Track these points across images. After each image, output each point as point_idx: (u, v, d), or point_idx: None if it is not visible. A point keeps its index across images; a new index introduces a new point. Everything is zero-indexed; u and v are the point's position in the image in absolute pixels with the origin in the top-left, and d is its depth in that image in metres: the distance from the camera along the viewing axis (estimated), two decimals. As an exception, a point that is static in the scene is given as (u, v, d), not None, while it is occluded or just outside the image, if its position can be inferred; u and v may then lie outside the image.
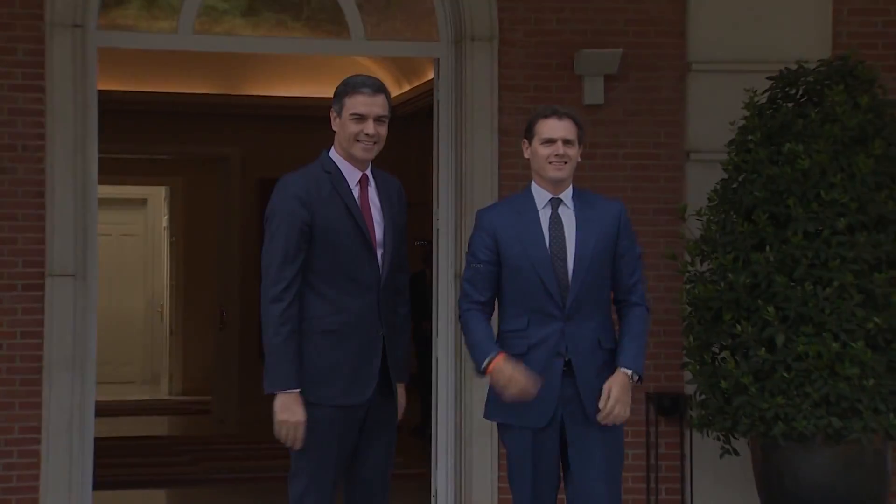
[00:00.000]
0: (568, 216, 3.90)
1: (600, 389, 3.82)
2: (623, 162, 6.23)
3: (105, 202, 10.41)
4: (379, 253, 3.77)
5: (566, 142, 3.87)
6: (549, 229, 3.87)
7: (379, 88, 3.79)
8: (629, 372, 3.83)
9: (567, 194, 3.92)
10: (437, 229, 6.27)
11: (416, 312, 5.03)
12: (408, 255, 3.99)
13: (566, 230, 3.87)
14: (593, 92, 6.16)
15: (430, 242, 6.45)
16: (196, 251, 12.59)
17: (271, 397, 3.70)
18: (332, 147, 3.84)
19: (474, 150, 6.14)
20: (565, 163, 3.87)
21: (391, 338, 3.81)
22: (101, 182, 6.03)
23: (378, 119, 3.77)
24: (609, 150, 6.23)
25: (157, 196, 14.24)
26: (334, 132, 3.83)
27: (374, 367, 3.75)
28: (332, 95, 3.86)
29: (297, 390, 3.67)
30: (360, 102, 3.74)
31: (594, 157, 6.19)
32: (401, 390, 3.92)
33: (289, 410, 3.66)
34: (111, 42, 6.12)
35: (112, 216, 13.83)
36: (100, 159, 5.97)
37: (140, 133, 10.70)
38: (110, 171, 10.15)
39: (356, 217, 3.74)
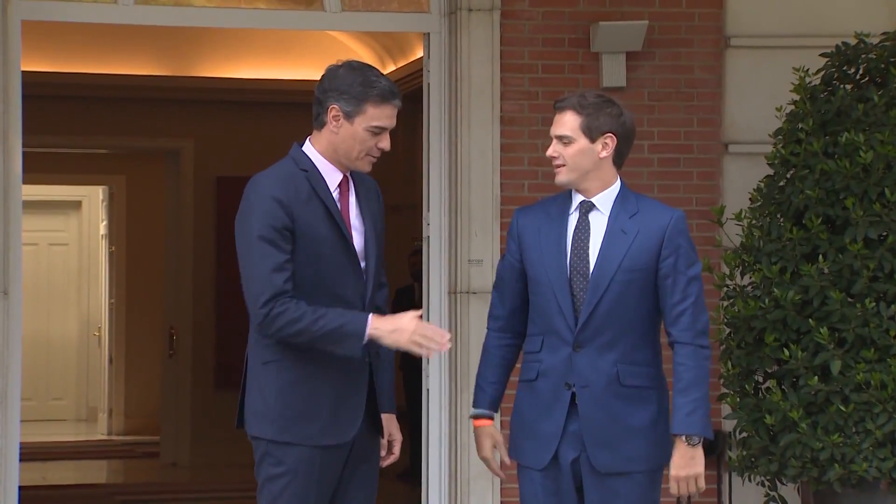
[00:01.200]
0: (599, 224, 3.88)
1: (617, 436, 3.81)
2: (648, 156, 6.24)
3: (31, 205, 10.43)
4: (362, 265, 3.80)
5: (560, 139, 3.86)
6: (573, 239, 3.88)
7: (400, 97, 3.81)
8: (683, 437, 3.80)
9: (604, 198, 3.89)
10: (427, 237, 6.27)
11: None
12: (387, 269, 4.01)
13: (592, 241, 3.87)
14: (613, 73, 6.17)
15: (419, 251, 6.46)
16: (140, 263, 12.58)
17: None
18: (308, 140, 3.83)
19: (471, 141, 6.14)
20: (562, 164, 3.86)
21: (376, 362, 3.83)
22: (26, 181, 6.02)
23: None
24: (632, 141, 6.24)
25: (94, 198, 14.23)
26: (316, 126, 3.79)
27: (360, 400, 3.77)
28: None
29: (370, 319, 3.65)
30: (387, 115, 3.74)
31: (614, 149, 6.21)
32: (393, 422, 3.94)
33: (389, 324, 3.66)
34: (38, 14, 6.11)
35: (39, 222, 13.83)
36: (25, 154, 5.95)
37: (73, 122, 10.70)
38: (37, 168, 10.14)
39: (339, 223, 3.75)
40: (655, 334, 3.91)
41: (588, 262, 3.85)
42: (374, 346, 3.77)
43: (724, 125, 6.30)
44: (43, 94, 9.38)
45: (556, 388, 3.83)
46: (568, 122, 3.86)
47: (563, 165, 3.86)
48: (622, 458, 3.82)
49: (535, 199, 4.23)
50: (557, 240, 3.87)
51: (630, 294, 3.83)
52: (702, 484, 3.83)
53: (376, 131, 3.74)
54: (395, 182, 4.02)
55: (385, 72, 9.57)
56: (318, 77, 3.88)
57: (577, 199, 3.91)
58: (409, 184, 8.65)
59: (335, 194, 3.79)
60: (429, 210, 6.27)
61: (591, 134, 3.86)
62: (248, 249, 3.69)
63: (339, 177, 3.80)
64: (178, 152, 11.05)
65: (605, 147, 3.87)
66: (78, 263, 14.55)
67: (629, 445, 3.83)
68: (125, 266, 12.75)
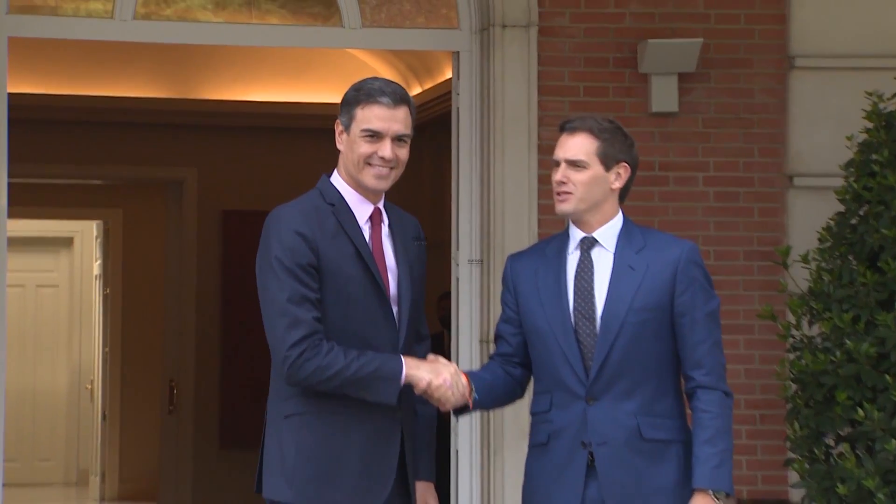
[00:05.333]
0: (604, 262, 3.91)
1: (642, 499, 3.81)
2: (703, 189, 6.26)
3: (17, 242, 10.48)
4: (395, 311, 3.82)
5: (572, 164, 3.89)
6: (576, 279, 3.90)
7: (402, 98, 3.82)
8: (709, 492, 3.81)
9: (607, 232, 3.93)
10: (457, 278, 6.30)
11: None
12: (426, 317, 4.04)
13: (597, 281, 3.89)
14: (664, 96, 6.20)
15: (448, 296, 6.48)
16: (138, 307, 12.63)
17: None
18: (335, 171, 3.89)
19: (505, 172, 6.18)
20: (569, 193, 3.89)
21: (410, 423, 3.85)
22: (11, 215, 6.08)
23: (398, 139, 3.81)
24: (685, 173, 6.27)
25: (87, 234, 14.32)
26: (339, 152, 3.86)
27: (390, 462, 3.79)
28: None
29: (403, 364, 3.72)
30: (375, 116, 3.78)
31: (665, 182, 6.23)
32: (431, 491, 3.96)
33: (421, 371, 3.73)
34: (28, 30, 6.20)
35: (26, 261, 13.90)
36: (10, 185, 6.02)
37: (64, 150, 10.77)
38: (24, 201, 10.22)
39: (368, 263, 3.78)
40: (676, 380, 3.92)
41: (594, 304, 3.87)
42: (407, 399, 3.80)
43: (788, 155, 6.31)
44: (31, 118, 9.46)
45: (572, 449, 3.84)
46: (582, 146, 3.90)
47: (571, 193, 3.89)
48: None
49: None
50: (557, 282, 3.90)
51: (645, 336, 3.85)
52: None
53: (368, 134, 3.77)
54: (420, 217, 4.04)
55: (410, 94, 9.62)
56: (335, 100, 3.94)
57: (577, 235, 3.94)
58: (437, 219, 8.68)
59: (366, 230, 3.82)
60: (458, 249, 6.29)
61: (607, 161, 3.91)
62: (272, 286, 3.71)
63: (368, 209, 3.84)
64: (181, 183, 11.10)
65: (619, 177, 3.93)
66: (69, 307, 14.62)
67: None
68: (121, 310, 12.79)
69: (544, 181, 6.17)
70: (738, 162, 6.28)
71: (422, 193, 10.12)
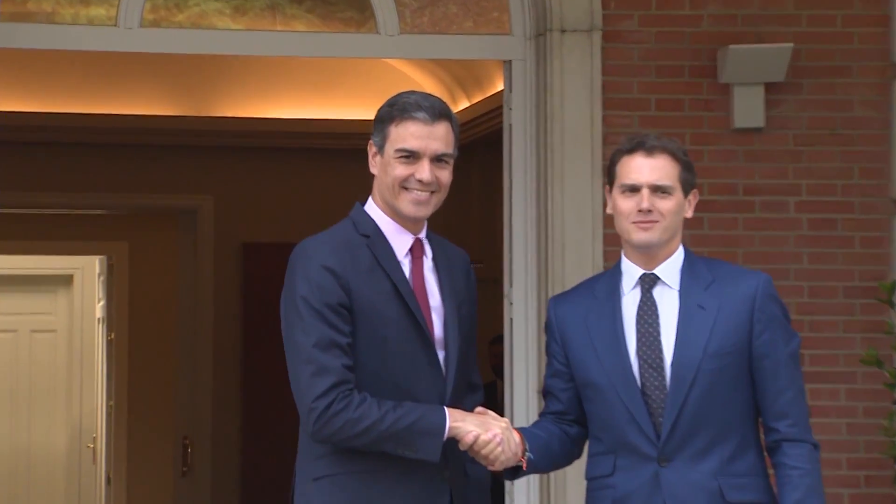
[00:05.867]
0: (669, 301, 3.90)
1: None
2: (795, 216, 6.25)
3: (9, 281, 10.53)
4: (441, 356, 3.83)
5: (657, 189, 3.89)
6: (638, 323, 3.89)
7: (441, 113, 3.85)
8: None
9: (669, 268, 3.93)
10: (510, 319, 6.29)
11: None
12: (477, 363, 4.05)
13: (663, 324, 3.87)
14: (748, 110, 6.19)
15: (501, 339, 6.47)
16: (147, 354, 12.66)
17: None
18: (370, 198, 3.91)
19: (565, 198, 6.18)
20: (655, 221, 3.88)
21: (460, 486, 3.85)
22: (2, 251, 6.12)
23: (438, 159, 3.83)
24: (773, 197, 6.26)
25: (89, 270, 14.40)
26: (373, 176, 3.90)
27: None
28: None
29: (447, 416, 3.72)
30: (411, 133, 3.81)
31: (750, 207, 6.22)
32: None
33: (468, 424, 3.73)
34: (20, 40, 6.26)
35: (19, 302, 13.99)
36: (1, 216, 6.05)
37: (63, 176, 10.83)
38: (17, 235, 10.28)
39: (408, 301, 3.79)
40: (757, 432, 3.92)
41: (661, 351, 3.86)
42: (456, 458, 3.80)
43: (893, 177, 6.29)
44: (23, 140, 9.52)
45: None
46: (665, 169, 3.90)
47: (658, 222, 3.88)
48: None
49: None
50: (613, 327, 3.89)
51: (722, 385, 3.84)
52: None
53: (404, 155, 3.80)
54: (469, 249, 4.05)
55: (456, 109, 9.64)
56: (370, 117, 3.97)
57: (634, 272, 3.93)
58: (487, 252, 8.67)
59: (405, 264, 3.84)
60: (511, 286, 6.29)
61: (686, 188, 3.94)
62: (297, 330, 3.73)
63: (408, 240, 3.86)
64: (195, 212, 11.14)
65: (690, 206, 3.97)
66: (68, 354, 14.68)
67: None
68: (127, 358, 12.82)
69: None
70: (835, 184, 6.28)
71: (469, 222, 10.12)
